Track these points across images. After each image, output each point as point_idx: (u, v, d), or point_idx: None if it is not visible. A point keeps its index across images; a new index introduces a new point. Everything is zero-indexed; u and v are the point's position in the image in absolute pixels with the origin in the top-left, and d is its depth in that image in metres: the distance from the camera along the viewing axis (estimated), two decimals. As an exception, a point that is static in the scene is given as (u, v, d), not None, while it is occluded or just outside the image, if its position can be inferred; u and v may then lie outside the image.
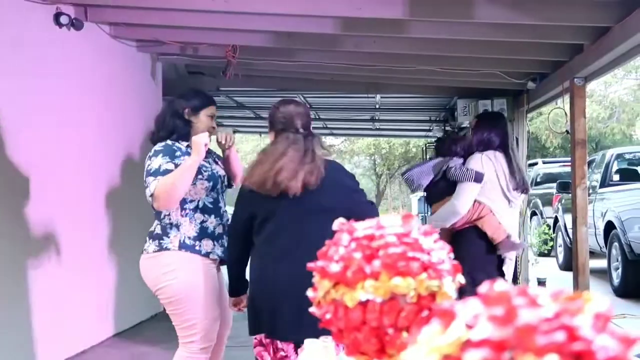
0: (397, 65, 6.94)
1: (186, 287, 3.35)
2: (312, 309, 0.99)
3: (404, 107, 10.53)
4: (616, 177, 10.43)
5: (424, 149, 13.26)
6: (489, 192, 4.23)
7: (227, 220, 3.58)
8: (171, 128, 3.49)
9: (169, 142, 3.45)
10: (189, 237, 3.40)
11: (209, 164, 3.57)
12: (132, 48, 6.47)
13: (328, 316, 0.96)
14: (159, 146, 3.42)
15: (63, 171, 5.03)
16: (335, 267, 0.94)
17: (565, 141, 15.30)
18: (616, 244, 9.09)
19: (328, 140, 30.40)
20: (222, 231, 3.52)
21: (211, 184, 3.49)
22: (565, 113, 6.16)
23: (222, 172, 3.66)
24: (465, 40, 5.82)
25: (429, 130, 12.52)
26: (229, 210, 3.52)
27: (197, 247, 3.40)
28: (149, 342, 5.90)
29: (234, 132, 13.33)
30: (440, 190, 4.36)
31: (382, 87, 8.48)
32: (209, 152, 3.64)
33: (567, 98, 6.16)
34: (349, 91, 8.83)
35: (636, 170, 10.71)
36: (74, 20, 5.08)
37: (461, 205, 4.19)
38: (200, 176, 3.42)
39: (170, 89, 7.76)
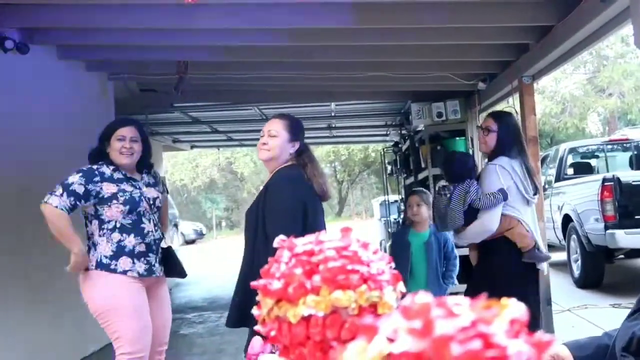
0: (349, 73, 6.99)
1: (103, 304, 3.60)
2: (257, 327, 1.01)
3: (360, 113, 10.60)
4: (570, 171, 10.63)
5: (383, 153, 13.34)
6: (512, 201, 4.18)
7: (155, 239, 3.79)
8: (93, 162, 3.77)
9: (93, 166, 3.70)
10: (105, 256, 3.63)
11: (136, 187, 3.76)
12: (81, 69, 6.41)
13: (273, 333, 0.98)
14: (84, 167, 3.68)
15: (10, 193, 4.96)
16: (277, 285, 0.96)
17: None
18: (574, 236, 9.26)
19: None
20: (146, 249, 3.72)
21: (127, 207, 3.68)
22: (516, 111, 6.26)
23: (152, 195, 3.84)
24: (413, 45, 5.90)
25: (386, 135, 12.61)
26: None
27: (112, 266, 3.63)
28: None
29: (192, 147, 13.15)
30: (468, 217, 4.25)
31: (337, 95, 8.53)
32: (146, 174, 3.91)
33: (517, 96, 6.27)
34: (303, 101, 8.86)
35: (589, 164, 10.93)
36: (19, 45, 5.01)
37: (491, 223, 4.14)
38: (115, 201, 3.65)
39: (122, 107, 7.71)
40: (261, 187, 3.65)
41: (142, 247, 3.70)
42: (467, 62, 6.69)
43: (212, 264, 16.36)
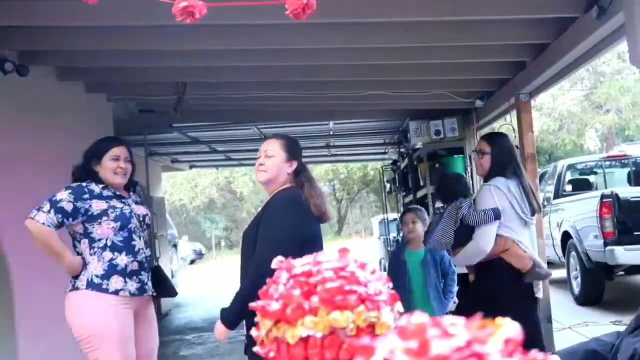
0: (348, 92, 7.03)
1: (91, 327, 3.50)
2: (255, 349, 1.01)
3: (358, 131, 10.63)
4: (569, 188, 10.63)
5: (381, 171, 13.36)
6: (507, 222, 4.16)
7: (146, 256, 3.75)
8: (80, 181, 3.70)
9: (83, 183, 3.65)
10: (97, 276, 3.55)
11: (126, 204, 3.74)
12: (80, 90, 6.44)
13: (272, 354, 0.98)
14: (73, 184, 3.63)
15: (10, 213, 4.95)
16: (275, 306, 0.97)
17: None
18: (574, 253, 9.25)
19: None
20: (138, 268, 3.67)
21: (118, 224, 3.64)
22: (514, 128, 6.29)
23: (141, 212, 3.83)
24: (411, 63, 5.94)
25: (385, 153, 12.64)
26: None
27: (104, 286, 3.54)
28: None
29: (191, 167, 13.16)
30: (461, 237, 4.26)
31: (335, 114, 8.56)
32: (133, 192, 3.90)
33: (514, 113, 6.30)
34: (302, 120, 8.89)
35: (588, 180, 10.94)
36: (18, 67, 5.04)
37: (486, 244, 4.13)
38: (106, 217, 3.60)
39: (121, 128, 7.73)
40: (259, 208, 3.64)
41: (134, 266, 3.64)
42: (465, 80, 6.72)
43: (212, 284, 16.31)
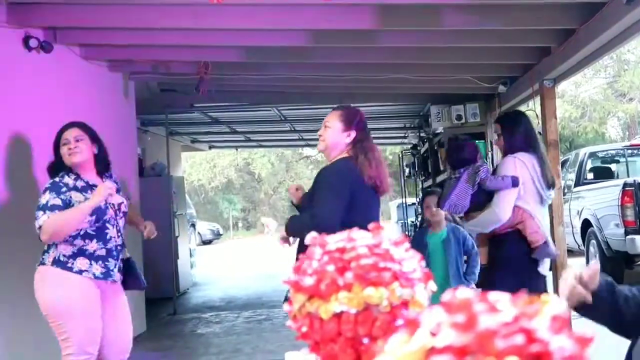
0: (369, 75, 7.00)
1: (55, 303, 3.59)
2: (288, 323, 1.01)
3: (379, 115, 10.60)
4: (590, 176, 10.55)
5: (401, 156, 13.32)
6: (525, 196, 4.15)
7: (117, 244, 3.81)
8: (54, 171, 3.81)
9: (56, 179, 3.72)
10: (64, 255, 3.63)
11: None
12: (103, 68, 6.46)
13: (304, 329, 0.98)
14: (47, 184, 3.71)
15: (34, 190, 4.99)
16: (308, 281, 0.97)
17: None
18: (593, 241, 9.19)
19: (305, 152, 30.46)
20: (105, 254, 3.74)
21: (94, 217, 3.69)
22: (537, 115, 6.23)
23: (116, 201, 3.87)
24: (435, 47, 5.90)
25: (405, 137, 12.61)
26: None
27: (69, 264, 3.63)
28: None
29: (210, 147, 13.26)
30: (477, 201, 4.23)
31: (356, 97, 8.53)
32: (108, 179, 3.93)
33: (537, 100, 6.24)
34: (323, 102, 8.88)
35: (609, 168, 10.85)
36: (43, 43, 5.06)
37: (503, 212, 4.11)
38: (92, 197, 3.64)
39: (143, 107, 7.76)
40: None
41: (102, 252, 3.72)
42: (488, 65, 6.67)
43: (229, 265, 16.40)
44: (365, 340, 0.92)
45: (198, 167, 33.17)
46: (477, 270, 5.03)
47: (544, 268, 4.34)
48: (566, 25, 5.10)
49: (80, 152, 3.76)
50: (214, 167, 33.22)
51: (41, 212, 3.54)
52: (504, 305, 0.58)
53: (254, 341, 7.00)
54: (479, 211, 4.26)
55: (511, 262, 4.16)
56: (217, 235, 27.71)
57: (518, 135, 4.30)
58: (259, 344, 6.84)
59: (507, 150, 4.31)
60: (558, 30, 5.31)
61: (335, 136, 3.48)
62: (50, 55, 5.16)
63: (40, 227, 3.51)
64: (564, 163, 10.99)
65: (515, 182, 4.08)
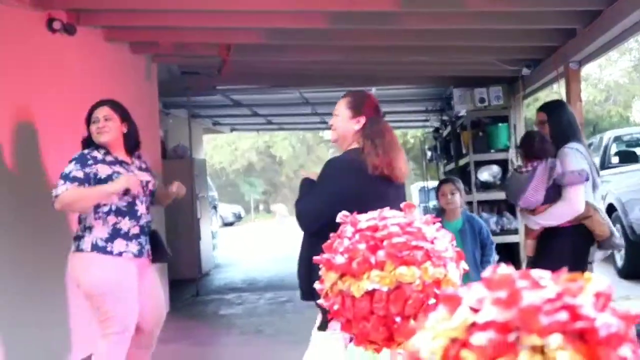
0: (391, 57, 6.95)
1: (98, 285, 3.69)
2: (320, 301, 1.01)
3: (400, 98, 10.53)
4: (615, 160, 10.43)
5: (422, 139, 13.26)
6: (587, 187, 4.19)
7: (147, 221, 3.91)
8: (85, 147, 3.87)
9: (85, 151, 3.79)
10: (101, 239, 3.71)
11: (129, 171, 3.85)
12: (126, 50, 6.47)
13: (336, 307, 0.98)
14: (76, 154, 3.77)
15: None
16: (340, 259, 0.96)
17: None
18: (618, 226, 9.08)
19: (326, 135, 30.41)
20: (139, 231, 3.83)
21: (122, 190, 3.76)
22: (562, 98, 6.17)
23: (144, 178, 3.94)
24: (458, 29, 5.84)
25: (426, 121, 12.53)
26: None
27: (108, 249, 3.71)
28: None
29: (232, 130, 13.28)
30: (548, 196, 4.22)
31: (378, 80, 8.49)
32: (137, 159, 4.02)
33: (562, 83, 6.17)
34: (344, 85, 8.82)
35: (634, 152, 10.72)
36: (66, 26, 5.08)
37: (580, 205, 4.11)
38: (110, 182, 3.71)
39: (165, 90, 7.78)
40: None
41: (135, 230, 3.81)
42: (512, 47, 6.60)
43: (250, 247, 16.47)
44: (398, 319, 0.91)
45: (219, 149, 33.26)
46: (492, 260, 4.99)
47: (594, 258, 4.36)
48: (592, 7, 5.03)
49: (108, 131, 3.83)
50: (235, 149, 33.30)
51: (62, 181, 3.63)
52: (547, 282, 0.58)
53: (276, 322, 7.04)
54: (544, 205, 4.24)
55: (573, 255, 4.15)
56: (239, 217, 27.83)
57: (565, 123, 4.31)
58: (281, 325, 6.88)
59: (555, 139, 4.30)
60: (584, 11, 5.24)
61: (344, 124, 3.31)
62: (73, 37, 5.18)
63: (57, 196, 3.60)
64: (588, 147, 10.87)
65: (587, 177, 4.11)
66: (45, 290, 4.80)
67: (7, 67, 4.50)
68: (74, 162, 3.70)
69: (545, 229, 4.28)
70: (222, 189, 31.76)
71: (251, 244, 17.28)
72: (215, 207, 16.63)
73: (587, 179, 4.13)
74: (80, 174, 3.65)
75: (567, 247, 4.17)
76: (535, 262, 4.31)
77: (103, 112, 3.86)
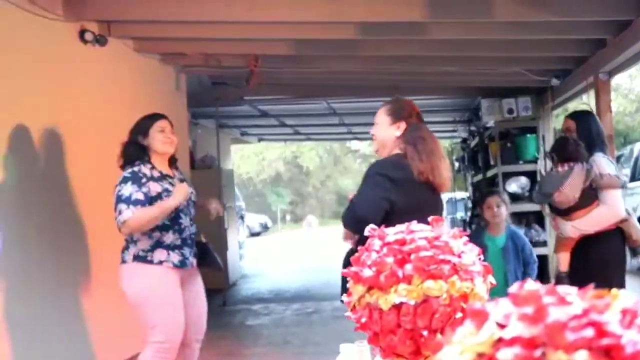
0: (419, 68, 6.95)
1: (141, 294, 3.74)
2: (347, 314, 1.02)
3: (428, 109, 10.49)
4: (646, 171, 10.31)
5: (450, 150, 13.21)
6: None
7: (191, 233, 3.95)
8: (131, 157, 3.85)
9: (135, 168, 3.77)
10: (143, 250, 3.76)
11: (173, 185, 3.88)
12: (156, 61, 6.55)
13: (363, 320, 0.99)
14: (127, 173, 3.75)
15: (90, 182, 5.10)
16: (368, 272, 0.97)
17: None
18: (648, 238, 8.97)
19: (353, 145, 30.44)
20: (181, 243, 3.87)
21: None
22: (591, 109, 6.12)
23: (189, 190, 3.96)
24: (485, 39, 5.83)
25: (454, 131, 12.49)
26: None
27: (149, 258, 3.76)
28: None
29: (259, 140, 13.30)
30: (583, 200, 4.20)
31: (406, 90, 8.46)
32: (176, 171, 4.06)
33: (592, 93, 6.13)
34: (372, 95, 8.84)
35: (666, 163, 10.58)
36: (98, 37, 5.16)
37: (620, 209, 4.12)
38: (160, 200, 3.75)
39: (194, 100, 7.85)
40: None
41: (178, 242, 3.85)
42: (541, 58, 6.57)
43: (277, 257, 16.50)
44: (425, 332, 0.92)
45: (247, 159, 33.37)
46: (534, 279, 4.86)
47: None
48: (622, 17, 4.99)
49: (173, 144, 3.93)
50: (262, 159, 33.41)
51: (124, 206, 3.62)
52: (573, 298, 0.58)
53: (303, 333, 7.03)
54: (582, 209, 4.21)
55: (617, 261, 4.17)
56: (265, 227, 27.87)
57: (594, 133, 4.30)
58: (308, 336, 6.87)
59: (585, 146, 4.31)
60: (613, 21, 5.20)
61: (384, 131, 3.22)
62: (104, 48, 5.26)
63: (124, 222, 3.61)
64: (618, 158, 10.76)
65: (624, 183, 4.12)
66: (68, 299, 4.86)
67: (41, 78, 4.58)
68: (130, 183, 3.69)
69: (582, 238, 4.22)
70: (249, 199, 31.87)
71: (278, 254, 17.30)
72: (242, 217, 16.69)
73: (623, 186, 4.12)
74: (141, 196, 3.66)
75: (610, 253, 4.15)
76: (576, 272, 4.24)
77: (168, 125, 3.93)
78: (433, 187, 3.10)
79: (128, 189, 3.67)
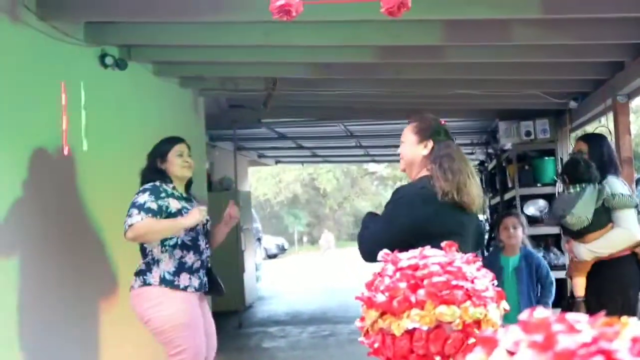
0: (436, 91, 6.96)
1: (170, 319, 3.73)
2: (360, 339, 1.02)
3: (446, 131, 10.49)
4: (666, 194, 10.20)
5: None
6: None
7: (207, 256, 3.99)
8: (151, 181, 3.88)
9: (156, 183, 3.84)
10: (169, 272, 3.77)
11: (192, 206, 3.91)
12: (174, 84, 6.62)
13: (376, 345, 0.99)
14: (147, 185, 3.82)
15: (109, 205, 5.13)
16: (381, 297, 0.97)
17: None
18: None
19: (370, 167, 30.44)
20: (200, 266, 3.90)
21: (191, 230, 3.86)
22: (610, 131, 6.09)
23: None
24: (502, 62, 5.83)
25: (472, 154, 12.46)
26: None
27: (176, 282, 3.77)
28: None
29: (276, 162, 13.35)
30: (599, 219, 4.17)
31: (423, 113, 8.46)
32: (193, 197, 4.10)
33: (610, 116, 6.10)
34: (389, 118, 8.85)
35: (686, 186, 10.46)
36: (118, 61, 5.22)
37: (637, 230, 4.10)
38: (180, 217, 3.78)
39: (212, 123, 7.91)
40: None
41: (198, 264, 3.89)
42: (559, 80, 6.56)
43: (293, 279, 16.48)
44: (437, 358, 0.92)
45: (264, 181, 33.50)
46: (550, 301, 4.77)
47: None
48: (640, 40, 4.98)
49: (191, 167, 4.00)
50: (279, 182, 33.51)
51: (136, 211, 3.66)
52: (582, 325, 0.58)
53: (319, 357, 7.01)
54: (596, 231, 4.18)
55: (633, 285, 4.13)
56: (282, 249, 27.87)
57: (606, 157, 4.28)
58: (324, 359, 6.85)
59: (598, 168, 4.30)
60: (632, 44, 5.19)
61: (411, 150, 3.08)
62: (124, 72, 5.32)
63: (131, 225, 3.62)
64: (638, 181, 10.67)
65: (638, 204, 4.10)
66: (82, 320, 4.87)
67: (61, 101, 4.63)
68: (147, 193, 3.75)
69: (598, 261, 4.18)
70: (265, 220, 31.92)
71: (294, 277, 17.28)
72: (259, 239, 16.71)
73: (637, 206, 4.09)
74: (154, 206, 3.70)
75: (626, 277, 4.10)
76: (596, 296, 4.18)
77: (186, 149, 4.00)
78: (462, 207, 2.93)
79: (144, 198, 3.72)
